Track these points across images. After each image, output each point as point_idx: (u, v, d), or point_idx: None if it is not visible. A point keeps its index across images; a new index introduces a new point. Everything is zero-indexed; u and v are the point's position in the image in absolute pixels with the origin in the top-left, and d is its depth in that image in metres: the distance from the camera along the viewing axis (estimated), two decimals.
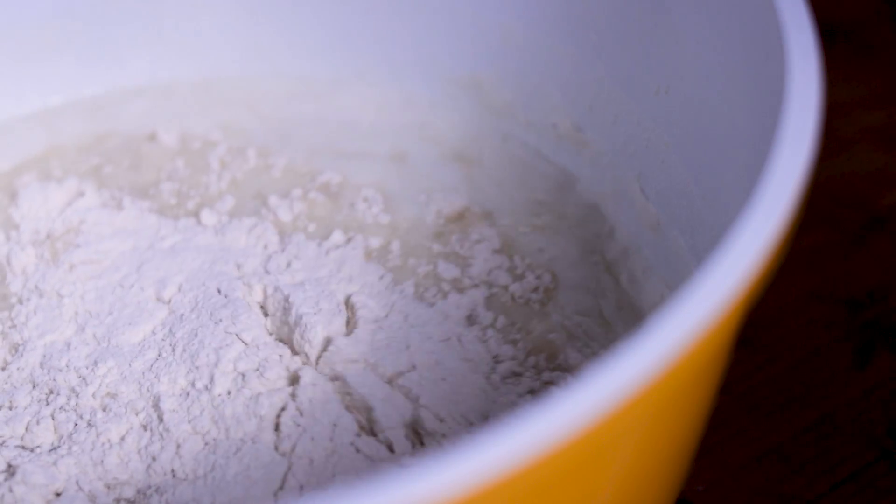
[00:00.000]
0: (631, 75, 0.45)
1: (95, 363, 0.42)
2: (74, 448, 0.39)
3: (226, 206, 0.48)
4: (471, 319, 0.43)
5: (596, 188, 0.48)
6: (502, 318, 0.43)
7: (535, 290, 0.45)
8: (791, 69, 0.33)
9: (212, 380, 0.41)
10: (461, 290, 0.44)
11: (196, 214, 0.48)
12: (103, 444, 0.40)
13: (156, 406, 0.40)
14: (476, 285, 0.45)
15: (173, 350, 0.42)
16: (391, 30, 0.52)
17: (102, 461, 0.39)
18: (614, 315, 0.44)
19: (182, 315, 0.43)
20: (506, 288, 0.45)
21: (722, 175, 0.39)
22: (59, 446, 0.40)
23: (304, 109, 0.52)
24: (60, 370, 0.42)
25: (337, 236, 0.46)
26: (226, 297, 0.44)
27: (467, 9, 0.50)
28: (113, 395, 0.41)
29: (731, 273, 0.28)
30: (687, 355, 0.27)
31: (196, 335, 0.42)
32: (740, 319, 0.29)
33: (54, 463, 0.39)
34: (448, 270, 0.45)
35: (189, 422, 0.40)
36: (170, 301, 0.44)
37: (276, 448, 0.39)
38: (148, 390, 0.41)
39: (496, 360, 0.42)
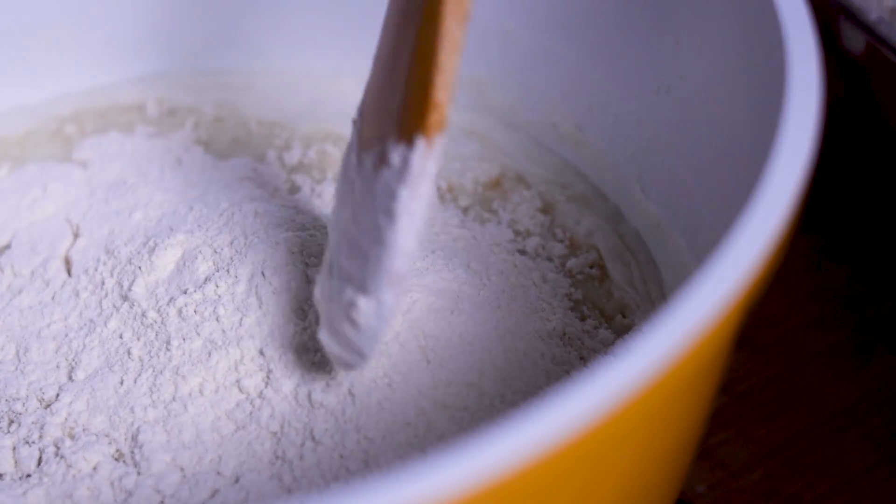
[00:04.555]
0: (631, 75, 0.45)
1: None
2: (45, 479, 0.38)
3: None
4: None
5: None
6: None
7: (592, 265, 0.45)
8: (791, 69, 0.33)
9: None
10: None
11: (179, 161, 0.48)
12: (74, 475, 0.38)
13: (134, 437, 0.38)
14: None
15: (141, 366, 0.40)
16: None
17: (72, 494, 0.37)
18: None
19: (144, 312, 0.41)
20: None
21: (722, 175, 0.39)
22: (30, 475, 0.38)
23: (304, 99, 0.52)
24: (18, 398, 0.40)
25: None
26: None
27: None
28: (85, 428, 0.39)
29: (731, 273, 0.28)
30: (687, 355, 0.27)
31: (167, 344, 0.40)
32: (740, 319, 0.29)
33: (24, 494, 0.37)
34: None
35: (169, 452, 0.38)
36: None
37: (280, 479, 0.37)
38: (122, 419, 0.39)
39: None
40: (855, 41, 0.47)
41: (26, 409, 0.40)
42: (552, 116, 0.49)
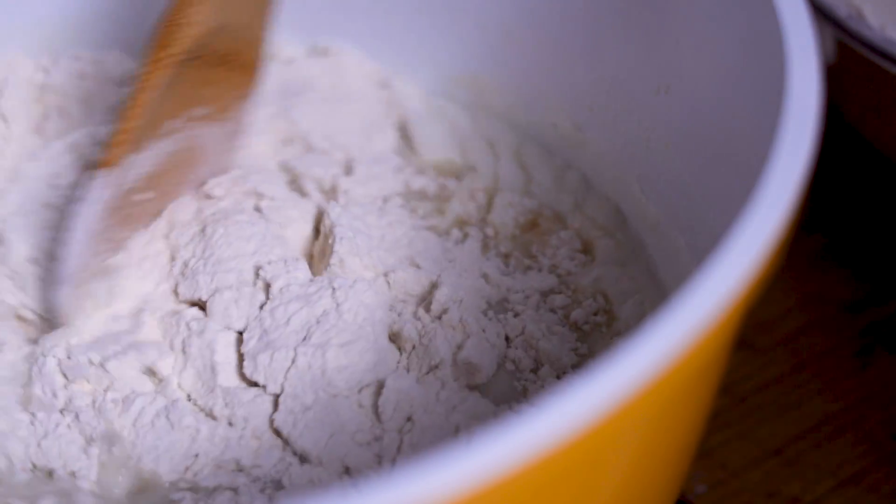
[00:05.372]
0: (631, 75, 0.45)
1: None
2: None
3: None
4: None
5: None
6: None
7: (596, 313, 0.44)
8: (791, 69, 0.33)
9: None
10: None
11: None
12: None
13: None
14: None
15: None
16: (391, 30, 0.51)
17: None
18: None
19: None
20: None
21: (722, 175, 0.39)
22: None
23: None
24: None
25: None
26: None
27: (468, 9, 0.50)
28: None
29: (731, 273, 0.28)
30: (687, 356, 0.27)
31: None
32: (740, 320, 0.29)
33: None
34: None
35: None
36: None
37: None
38: None
39: None
40: (824, 38, 0.47)
41: None
42: (552, 116, 0.49)
